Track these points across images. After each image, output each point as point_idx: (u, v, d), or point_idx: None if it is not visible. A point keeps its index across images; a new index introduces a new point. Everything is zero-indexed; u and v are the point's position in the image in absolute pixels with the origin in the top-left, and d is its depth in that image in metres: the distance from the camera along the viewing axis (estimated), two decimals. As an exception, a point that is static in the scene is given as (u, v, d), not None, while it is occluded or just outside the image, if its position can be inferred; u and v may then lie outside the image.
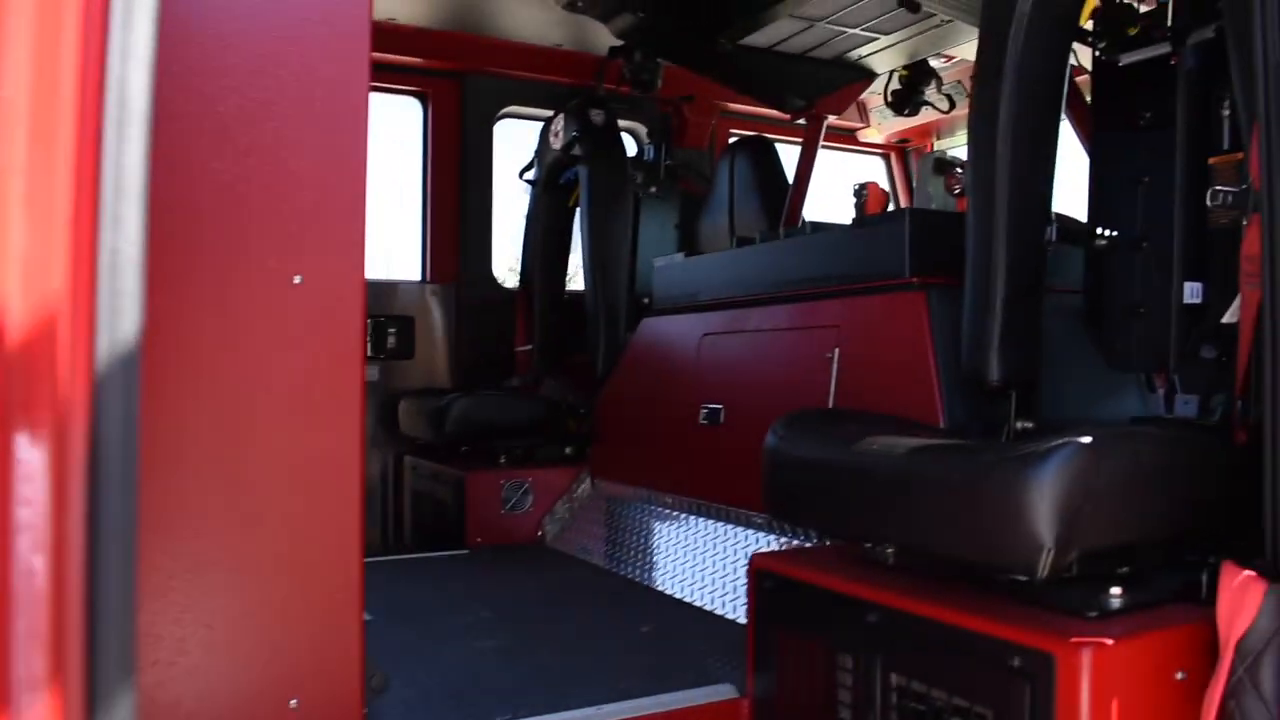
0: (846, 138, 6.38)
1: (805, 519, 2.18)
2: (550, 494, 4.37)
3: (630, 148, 5.74)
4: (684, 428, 3.69)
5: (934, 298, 2.72)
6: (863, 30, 3.97)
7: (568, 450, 4.56)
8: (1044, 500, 1.54)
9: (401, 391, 5.16)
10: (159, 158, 2.12)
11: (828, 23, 3.91)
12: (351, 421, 2.09)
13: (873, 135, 6.32)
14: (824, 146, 6.31)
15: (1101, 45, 2.58)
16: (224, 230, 2.06)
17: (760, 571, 2.23)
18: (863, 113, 6.24)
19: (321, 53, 2.10)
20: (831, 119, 5.47)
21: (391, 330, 5.21)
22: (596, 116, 4.70)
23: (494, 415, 4.50)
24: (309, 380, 2.09)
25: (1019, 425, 2.52)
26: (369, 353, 5.13)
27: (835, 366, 2.97)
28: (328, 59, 2.10)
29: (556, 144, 4.89)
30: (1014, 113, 2.47)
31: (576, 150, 4.70)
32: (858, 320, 2.94)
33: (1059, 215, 2.84)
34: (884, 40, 4.08)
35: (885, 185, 6.51)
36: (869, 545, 2.01)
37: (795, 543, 3.04)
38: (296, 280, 2.09)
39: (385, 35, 5.08)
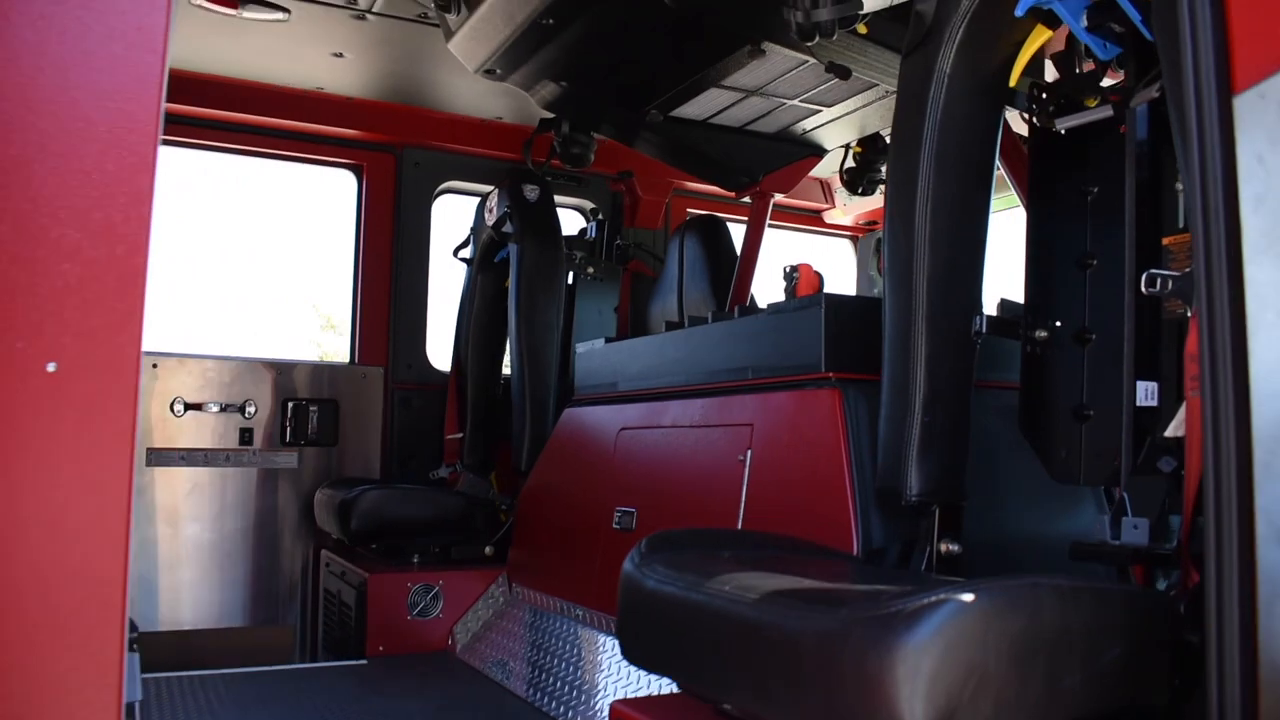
0: (811, 219, 6.10)
1: (656, 664, 1.80)
2: (464, 599, 3.97)
3: (578, 225, 5.48)
4: (598, 532, 3.32)
5: (851, 396, 2.38)
6: (802, 102, 3.68)
7: (487, 550, 4.18)
8: (911, 678, 1.16)
9: (323, 481, 4.80)
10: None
11: (762, 94, 3.61)
12: (115, 534, 1.73)
13: (838, 217, 6.04)
14: (788, 228, 6.06)
15: (1033, 110, 2.27)
16: (-37, 310, 1.73)
17: (619, 725, 1.85)
18: (827, 193, 5.97)
19: (97, 103, 1.78)
20: (784, 198, 5.19)
21: (313, 414, 4.85)
22: (530, 193, 4.41)
23: (404, 511, 4.13)
24: (65, 484, 1.74)
25: (943, 548, 2.15)
26: (288, 438, 4.79)
27: (748, 471, 2.61)
28: (105, 111, 1.78)
29: (490, 221, 4.61)
30: (935, 185, 2.15)
31: (508, 227, 4.40)
32: (770, 419, 2.59)
33: (1004, 301, 2.52)
34: (828, 113, 3.79)
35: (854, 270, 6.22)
36: (725, 707, 1.63)
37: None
38: (50, 367, 1.74)
39: (318, 105, 4.83)
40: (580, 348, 3.84)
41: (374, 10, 3.80)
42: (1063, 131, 2.29)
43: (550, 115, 4.11)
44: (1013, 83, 2.22)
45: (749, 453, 2.62)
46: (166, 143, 4.75)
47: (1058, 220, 2.36)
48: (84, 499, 1.75)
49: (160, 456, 4.58)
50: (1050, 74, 2.43)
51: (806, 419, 2.45)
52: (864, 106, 3.70)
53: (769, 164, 4.18)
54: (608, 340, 3.65)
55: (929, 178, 2.15)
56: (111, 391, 1.79)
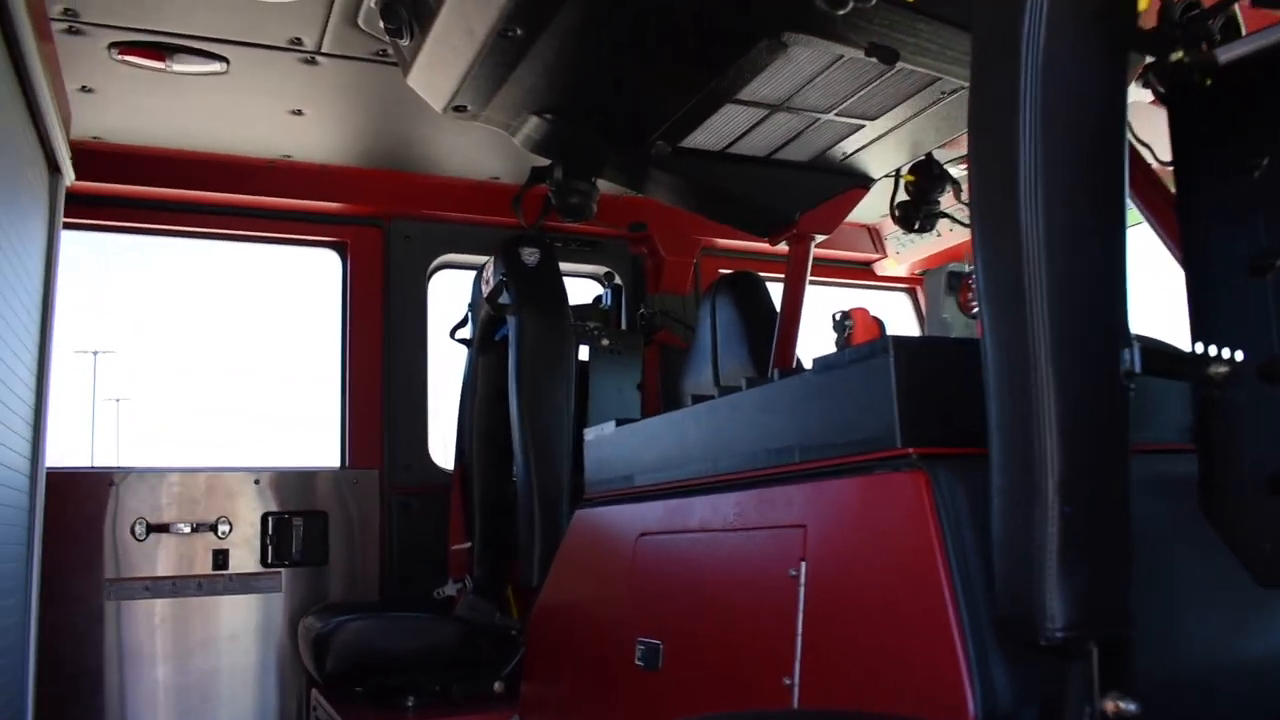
0: (861, 272, 5.41)
1: None
2: (466, 753, 3.24)
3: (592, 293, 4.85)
4: (617, 669, 2.58)
5: (944, 481, 1.64)
6: (839, 116, 3.00)
7: (496, 687, 3.45)
8: None
9: (310, 607, 4.12)
10: None
11: (789, 109, 2.94)
12: None
13: (892, 267, 5.35)
14: (837, 284, 5.36)
15: (1173, 46, 1.57)
16: None
17: None
18: (876, 241, 5.29)
19: None
20: (829, 250, 4.54)
21: (298, 529, 4.19)
22: (529, 257, 3.77)
23: (390, 644, 3.42)
24: None
25: (1110, 707, 1.40)
26: (269, 559, 4.13)
27: (803, 592, 1.88)
28: None
29: (486, 293, 3.98)
30: (1044, 165, 1.45)
31: (505, 298, 3.76)
32: (829, 518, 1.86)
33: (1139, 337, 1.80)
34: (871, 129, 3.11)
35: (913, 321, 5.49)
36: None
37: None
38: None
39: (288, 176, 4.26)
40: (589, 434, 3.15)
41: (324, 51, 3.22)
42: (1212, 76, 1.59)
43: (543, 163, 3.48)
44: (1143, 4, 1.53)
45: (803, 565, 1.89)
46: (115, 229, 4.21)
47: (1215, 211, 1.66)
48: None
49: (121, 589, 3.94)
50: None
51: (881, 516, 1.72)
52: (915, 116, 3.02)
53: (805, 200, 3.49)
54: (619, 422, 2.95)
55: (1034, 154, 1.45)
56: None
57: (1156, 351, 1.50)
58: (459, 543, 4.22)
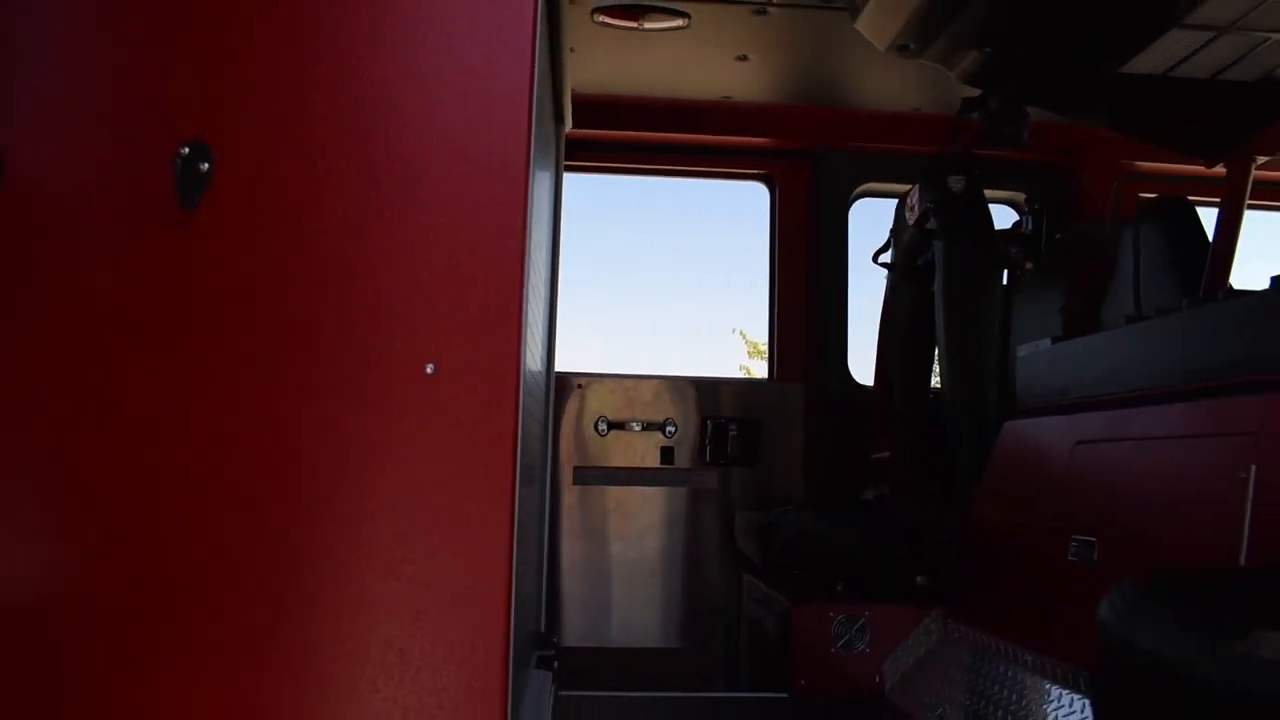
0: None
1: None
2: (893, 633, 3.60)
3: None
4: (1049, 564, 2.82)
5: None
6: (1295, 34, 2.95)
7: (919, 579, 3.77)
8: None
9: (742, 503, 4.65)
10: (264, 225, 1.77)
11: (1240, 29, 2.94)
12: (494, 549, 1.66)
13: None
14: (1267, 207, 5.06)
15: None
16: (342, 309, 1.72)
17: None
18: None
19: (471, 116, 1.75)
20: (1268, 173, 4.33)
21: (733, 433, 4.72)
22: (955, 184, 3.98)
23: (829, 536, 3.83)
24: (446, 486, 1.68)
25: None
26: (708, 458, 4.69)
27: (1251, 493, 2.04)
28: (477, 124, 1.75)
29: (912, 220, 4.23)
30: None
31: (931, 224, 4.00)
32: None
33: None
34: (1331, 44, 3.01)
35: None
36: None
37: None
38: (429, 369, 1.71)
39: (725, 115, 4.72)
40: (1022, 350, 3.35)
41: (774, 2, 3.59)
42: None
43: (973, 94, 3.66)
44: None
45: (1252, 469, 2.04)
46: (575, 168, 4.86)
47: None
48: (460, 510, 1.67)
49: (585, 475, 4.65)
50: None
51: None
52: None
53: (1253, 121, 3.43)
54: (1054, 340, 3.14)
55: None
56: (493, 392, 1.71)
57: None
58: (879, 452, 4.56)
